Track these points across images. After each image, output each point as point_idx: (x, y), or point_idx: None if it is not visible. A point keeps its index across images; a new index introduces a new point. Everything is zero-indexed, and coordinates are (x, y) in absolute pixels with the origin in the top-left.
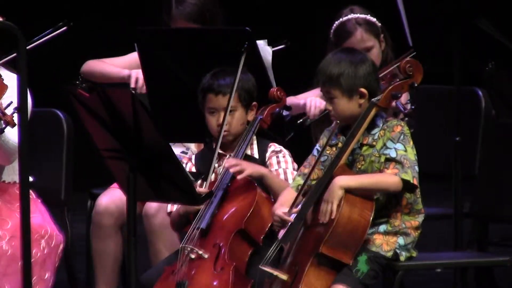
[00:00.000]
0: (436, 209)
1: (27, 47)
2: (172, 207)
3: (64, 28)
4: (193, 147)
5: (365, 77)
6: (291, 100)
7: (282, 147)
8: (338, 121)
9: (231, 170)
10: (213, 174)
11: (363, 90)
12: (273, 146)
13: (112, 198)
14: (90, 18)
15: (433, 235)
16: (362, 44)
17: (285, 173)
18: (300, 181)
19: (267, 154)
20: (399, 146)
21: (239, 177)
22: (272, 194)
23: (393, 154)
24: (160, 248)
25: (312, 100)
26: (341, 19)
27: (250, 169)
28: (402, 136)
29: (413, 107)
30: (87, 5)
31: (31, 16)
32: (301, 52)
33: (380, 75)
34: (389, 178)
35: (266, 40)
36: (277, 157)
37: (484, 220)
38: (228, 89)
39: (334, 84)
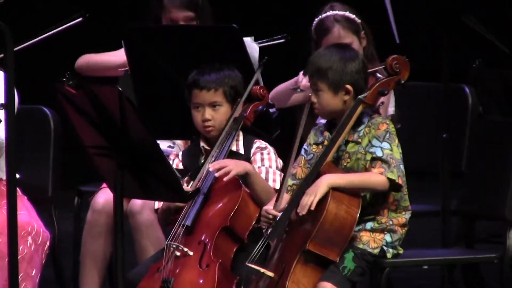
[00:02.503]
0: (424, 206)
1: (41, 37)
2: (159, 204)
3: (80, 19)
4: (180, 141)
5: (353, 74)
6: (282, 84)
7: (267, 144)
8: (321, 116)
9: (217, 175)
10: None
11: (348, 87)
12: (259, 143)
13: (109, 197)
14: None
15: (421, 232)
16: (339, 41)
17: (267, 172)
18: (290, 182)
19: (252, 150)
20: (385, 145)
21: (225, 178)
22: (252, 193)
23: (379, 153)
24: (146, 245)
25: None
26: (320, 16)
27: (236, 168)
28: (387, 135)
29: (398, 112)
30: (74, 2)
31: (20, 15)
32: (287, 49)
33: None
34: (376, 178)
35: (253, 37)
36: (262, 154)
37: (471, 217)
38: (213, 84)
39: (321, 77)
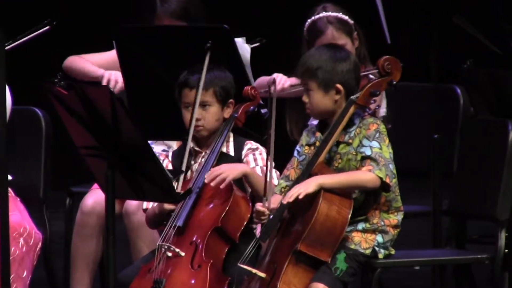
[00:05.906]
0: (415, 206)
1: (10, 46)
2: (148, 204)
3: (47, 27)
4: (175, 145)
5: (343, 74)
6: (262, 78)
7: (258, 145)
8: (312, 117)
9: (213, 184)
10: (189, 172)
11: (339, 86)
12: (250, 144)
13: (98, 198)
14: (69, 16)
15: (412, 233)
16: (333, 42)
17: (262, 171)
18: (284, 183)
19: (243, 152)
20: (374, 144)
21: (222, 186)
22: (253, 191)
23: (368, 152)
24: (141, 245)
25: (278, 76)
26: (313, 17)
27: (231, 173)
28: (377, 134)
29: (389, 113)
30: (67, 3)
31: (12, 15)
32: (278, 49)
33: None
34: (366, 175)
35: (245, 37)
36: (254, 154)
37: (462, 217)
38: (204, 84)
39: (311, 76)
